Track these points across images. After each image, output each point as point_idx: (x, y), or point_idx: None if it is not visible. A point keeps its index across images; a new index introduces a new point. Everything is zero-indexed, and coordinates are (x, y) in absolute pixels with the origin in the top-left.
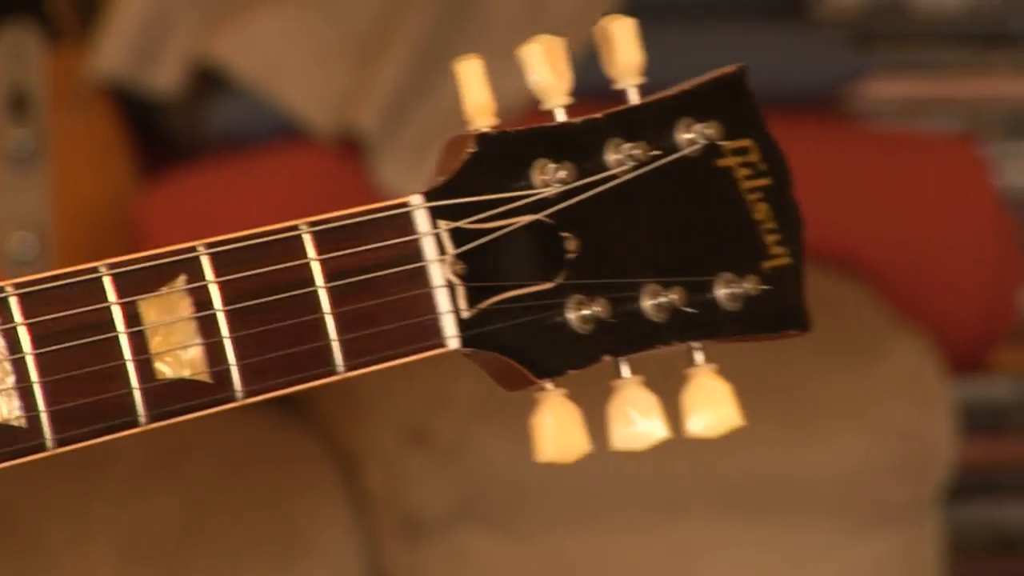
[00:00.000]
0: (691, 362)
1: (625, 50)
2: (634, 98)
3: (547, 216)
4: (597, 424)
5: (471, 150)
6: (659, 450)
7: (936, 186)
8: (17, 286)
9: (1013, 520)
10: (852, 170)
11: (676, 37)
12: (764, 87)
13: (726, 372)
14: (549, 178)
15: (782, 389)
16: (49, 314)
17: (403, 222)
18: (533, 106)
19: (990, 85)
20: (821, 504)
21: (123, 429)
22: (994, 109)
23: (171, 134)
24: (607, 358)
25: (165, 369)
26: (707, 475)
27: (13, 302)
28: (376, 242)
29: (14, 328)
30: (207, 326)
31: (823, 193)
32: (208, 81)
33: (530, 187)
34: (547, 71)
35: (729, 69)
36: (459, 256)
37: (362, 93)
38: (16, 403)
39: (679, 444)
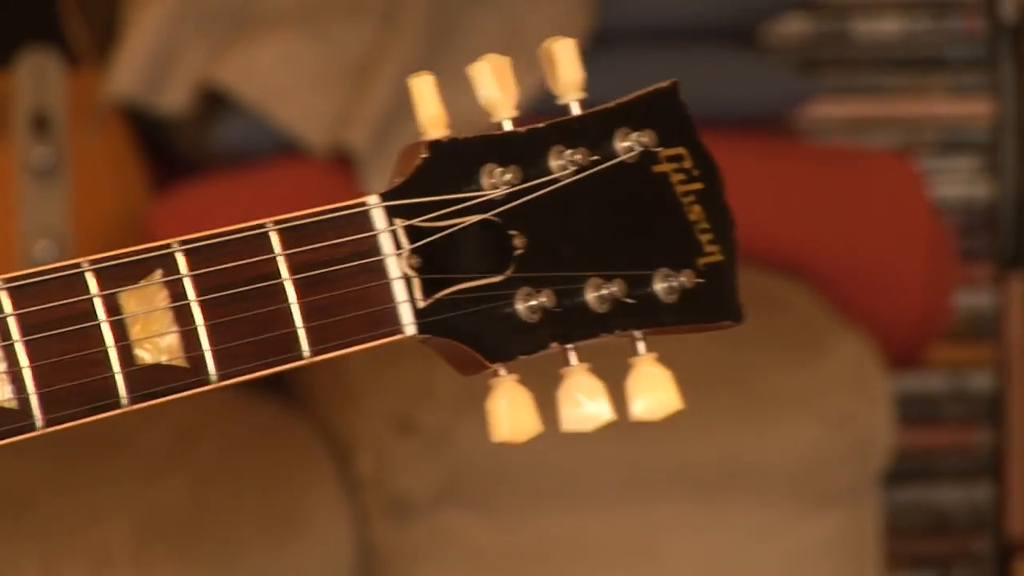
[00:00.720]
0: (634, 351)
1: (566, 68)
2: (575, 110)
3: (495, 215)
4: (550, 407)
5: (424, 155)
6: (625, 436)
7: (876, 197)
8: (6, 280)
9: (946, 502)
10: (799, 183)
11: (637, 61)
12: (720, 108)
13: (685, 368)
14: (496, 181)
15: (736, 382)
16: (36, 305)
17: (362, 220)
18: (529, 116)
19: (925, 106)
20: (773, 487)
21: (107, 410)
22: (928, 128)
23: (179, 150)
24: (554, 345)
25: (144, 355)
26: (670, 460)
27: (3, 295)
28: (337, 238)
29: (4, 319)
30: (183, 315)
31: (772, 203)
32: (213, 102)
33: (479, 189)
34: (495, 87)
35: (663, 84)
36: (414, 251)
37: (353, 114)
38: (7, 387)
39: (644, 431)
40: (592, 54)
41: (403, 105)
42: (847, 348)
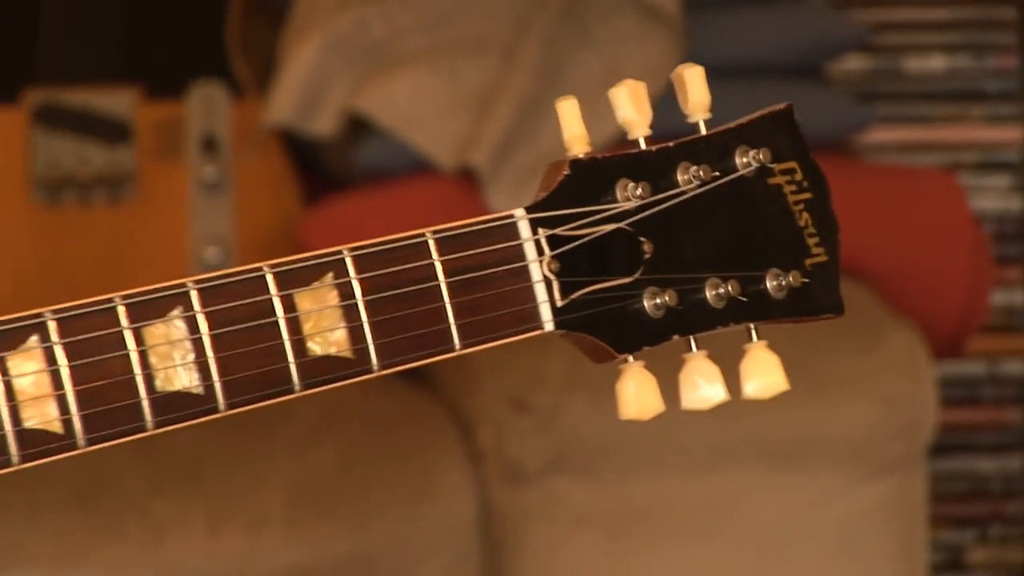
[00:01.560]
0: (748, 339)
1: (696, 91)
2: (702, 129)
3: (627, 225)
4: (672, 389)
5: (566, 172)
6: (709, 413)
7: (924, 209)
8: (196, 282)
9: (984, 471)
10: (858, 196)
11: (723, 94)
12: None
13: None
14: (629, 194)
15: (806, 367)
16: (222, 304)
17: (509, 230)
18: (616, 143)
19: (965, 132)
20: (836, 457)
21: (281, 395)
22: (968, 151)
23: (328, 169)
24: (676, 337)
25: (315, 348)
26: (748, 434)
27: (193, 295)
28: (487, 246)
29: (194, 315)
30: (350, 313)
31: (836, 213)
32: (356, 127)
33: (614, 201)
34: (632, 108)
35: (779, 106)
36: (554, 256)
37: (476, 138)
38: (195, 375)
39: (726, 409)
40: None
41: (518, 131)
42: (900, 339)
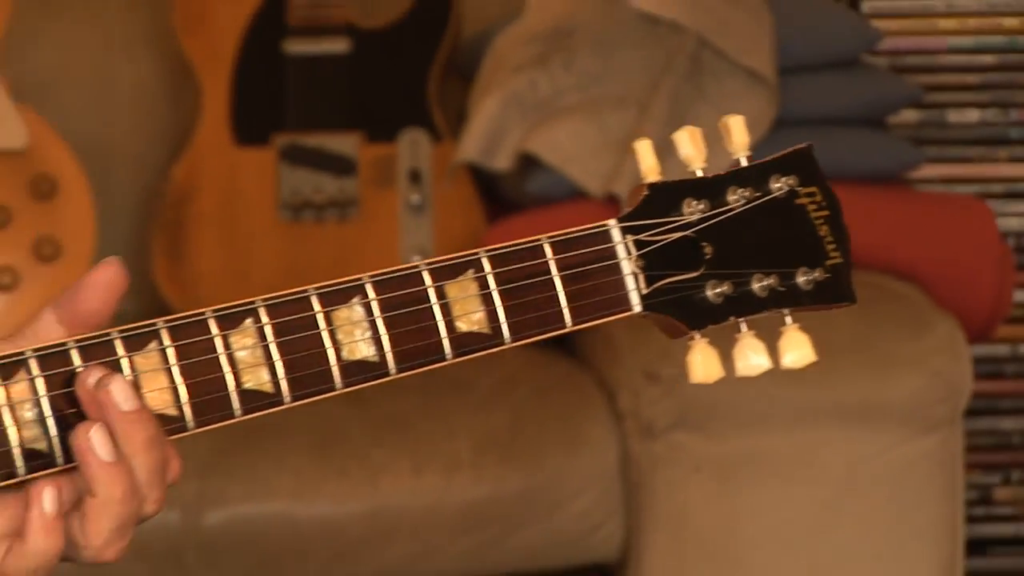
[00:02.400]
0: (783, 323)
1: (738, 135)
2: (744, 162)
3: (692, 232)
4: (727, 360)
5: (646, 192)
6: (795, 382)
7: (962, 227)
8: (371, 276)
9: (1007, 429)
10: (910, 216)
11: (805, 138)
12: (860, 170)
13: (835, 340)
14: (693, 209)
15: (869, 348)
16: (390, 293)
17: (605, 236)
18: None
19: (994, 169)
20: (894, 417)
21: (437, 363)
22: (996, 183)
23: (505, 195)
24: (732, 318)
25: (462, 326)
26: (824, 398)
27: (369, 287)
28: (589, 247)
29: (369, 303)
30: (487, 300)
31: (892, 230)
32: (527, 163)
33: (681, 214)
34: (691, 148)
35: (801, 145)
36: (640, 256)
37: (618, 172)
38: (372, 348)
39: (807, 378)
40: (775, 134)
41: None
42: (943, 327)
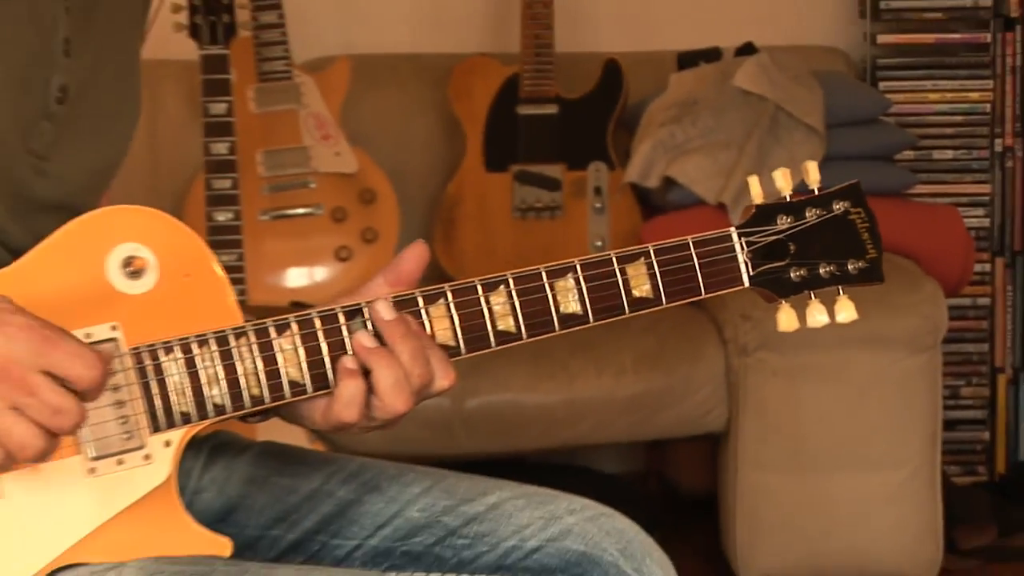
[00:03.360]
0: (838, 293)
1: (813, 174)
2: (816, 191)
3: (783, 236)
4: (802, 317)
5: (753, 210)
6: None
7: (941, 224)
8: (580, 260)
9: (969, 350)
10: (908, 218)
11: (841, 168)
12: (878, 188)
13: (858, 293)
14: (783, 222)
15: (881, 301)
16: (592, 271)
17: (728, 238)
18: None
19: (962, 188)
20: (899, 343)
21: (617, 316)
22: (964, 197)
23: (653, 202)
24: (807, 292)
25: (635, 292)
26: (856, 331)
27: (578, 266)
28: (718, 244)
29: (578, 277)
30: (652, 276)
31: (898, 226)
32: (669, 183)
33: (775, 225)
34: (783, 182)
35: (854, 181)
36: (749, 250)
37: (725, 190)
38: (579, 306)
39: (844, 326)
40: (823, 167)
41: (744, 188)
42: (929, 286)
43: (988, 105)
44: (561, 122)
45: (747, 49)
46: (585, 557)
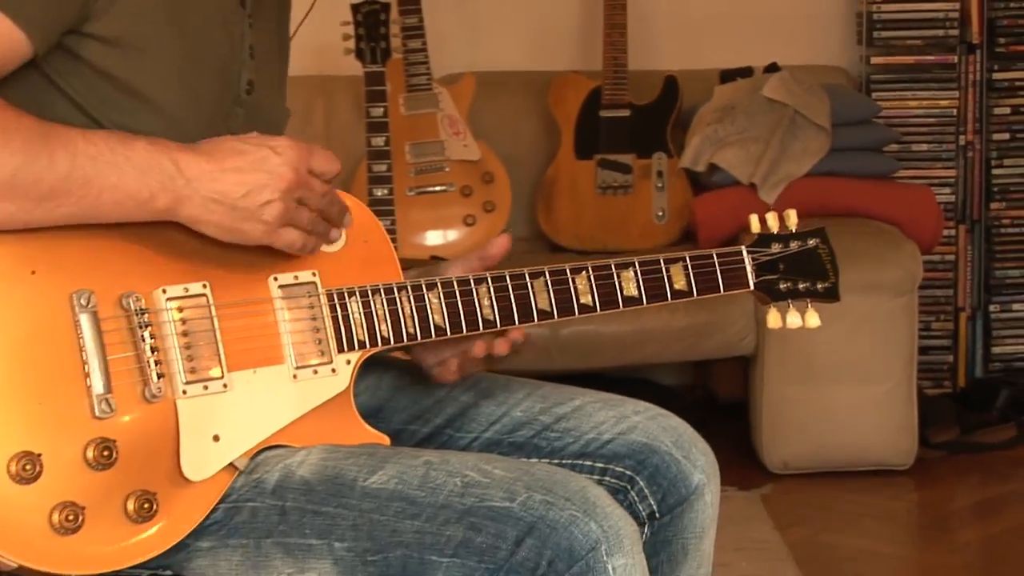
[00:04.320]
0: (807, 305)
1: (793, 219)
2: (794, 231)
3: (775, 257)
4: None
5: (755, 238)
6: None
7: (918, 200)
8: (639, 258)
9: (938, 295)
10: (892, 195)
11: (840, 159)
12: (868, 173)
13: (855, 249)
14: (776, 247)
15: (874, 258)
16: (647, 268)
17: (739, 253)
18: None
19: (933, 172)
20: (886, 288)
21: (661, 302)
22: (936, 180)
23: (701, 183)
24: (787, 300)
25: (676, 285)
26: (854, 280)
27: (636, 263)
28: (732, 257)
29: (636, 271)
30: (688, 275)
31: (885, 201)
32: (713, 168)
33: (769, 248)
34: (774, 221)
35: (821, 227)
36: (753, 264)
37: (755, 172)
38: (637, 291)
39: (844, 269)
40: (828, 156)
41: (770, 170)
42: (908, 246)
43: (954, 110)
44: (632, 122)
45: (772, 67)
46: (646, 447)
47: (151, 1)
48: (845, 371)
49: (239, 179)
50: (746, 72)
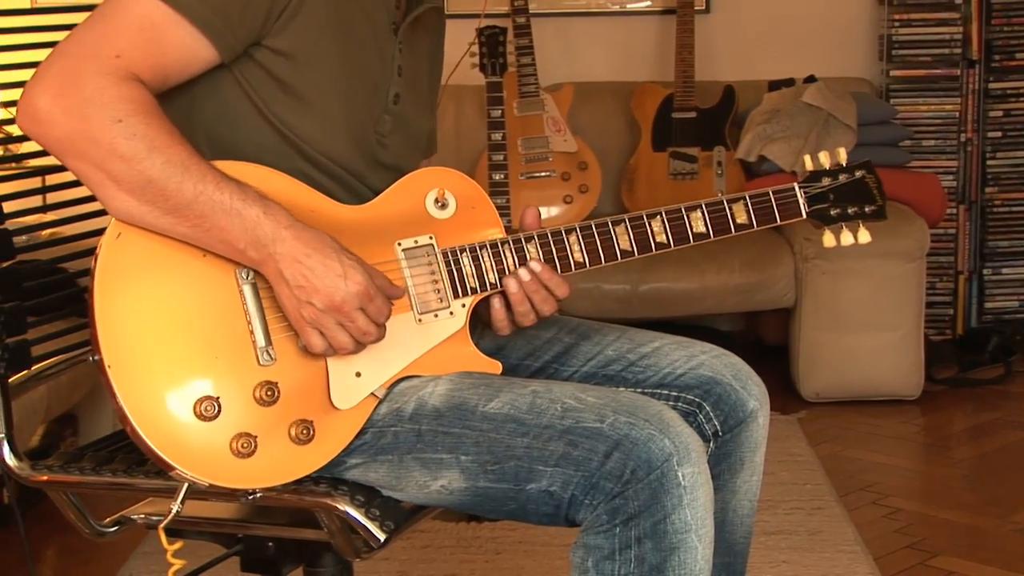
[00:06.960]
0: (859, 226)
1: (843, 156)
2: (844, 164)
3: (826, 189)
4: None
5: (807, 174)
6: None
7: (927, 184)
8: (706, 202)
9: (942, 262)
10: (905, 180)
11: (865, 150)
12: (889, 163)
13: (877, 227)
14: (826, 181)
15: (891, 229)
16: (713, 207)
17: (793, 191)
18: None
19: (940, 163)
20: (899, 255)
21: (725, 235)
22: (941, 169)
23: (753, 171)
24: (840, 223)
25: (739, 219)
26: (873, 248)
27: (705, 205)
28: (786, 193)
29: (703, 213)
30: (748, 211)
31: (901, 185)
32: (762, 159)
33: (820, 183)
34: (825, 159)
35: (868, 159)
36: (806, 197)
37: (796, 162)
38: (705, 228)
39: (865, 246)
40: (856, 150)
41: (799, 161)
42: (918, 222)
43: (957, 113)
44: (698, 122)
45: (810, 79)
46: (711, 380)
47: (319, 24)
48: (866, 321)
49: (304, 276)
50: (789, 82)
